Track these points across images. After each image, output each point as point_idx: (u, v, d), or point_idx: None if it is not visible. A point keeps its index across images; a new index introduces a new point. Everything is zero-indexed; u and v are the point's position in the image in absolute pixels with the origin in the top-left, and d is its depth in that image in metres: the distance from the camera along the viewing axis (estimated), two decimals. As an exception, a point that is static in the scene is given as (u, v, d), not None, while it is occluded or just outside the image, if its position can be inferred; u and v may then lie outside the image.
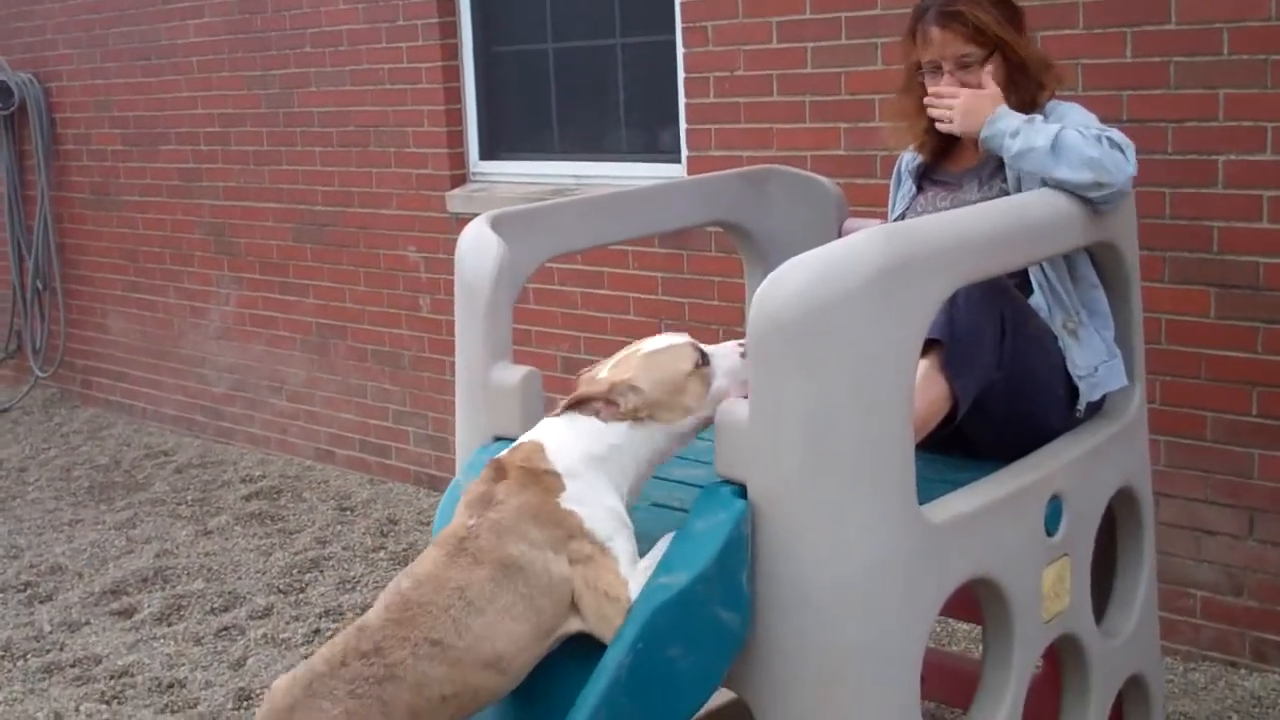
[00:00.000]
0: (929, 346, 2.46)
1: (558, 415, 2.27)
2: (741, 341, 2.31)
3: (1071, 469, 2.59)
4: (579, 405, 2.25)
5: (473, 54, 5.31)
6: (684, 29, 4.56)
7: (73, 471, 6.28)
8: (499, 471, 2.21)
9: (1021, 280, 2.78)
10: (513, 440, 2.31)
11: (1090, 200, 2.60)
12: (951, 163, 2.99)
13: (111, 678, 4.05)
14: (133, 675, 4.06)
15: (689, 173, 4.55)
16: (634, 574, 2.14)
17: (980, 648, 2.64)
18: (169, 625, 4.42)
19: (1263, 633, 3.61)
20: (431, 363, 5.52)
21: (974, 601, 2.48)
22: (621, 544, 2.16)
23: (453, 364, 2.77)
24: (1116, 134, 2.64)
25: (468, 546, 2.13)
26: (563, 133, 5.21)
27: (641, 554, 2.18)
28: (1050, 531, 2.52)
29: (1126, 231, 2.77)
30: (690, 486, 2.49)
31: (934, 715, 3.43)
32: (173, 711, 3.83)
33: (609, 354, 2.36)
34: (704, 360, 2.28)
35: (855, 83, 4.12)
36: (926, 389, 2.47)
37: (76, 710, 3.87)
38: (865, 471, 2.17)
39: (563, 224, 2.98)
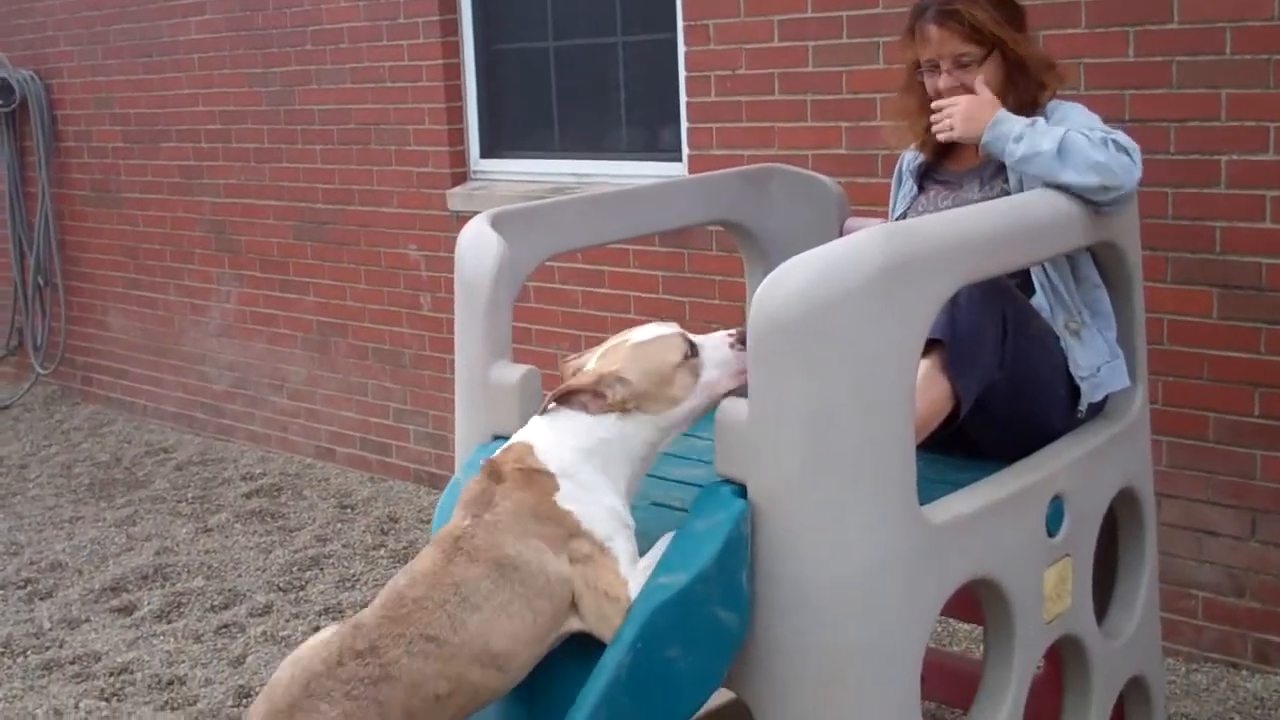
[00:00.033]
0: (930, 346, 2.45)
1: (544, 413, 2.26)
2: (731, 332, 2.30)
3: (1073, 469, 2.58)
4: (566, 398, 2.24)
5: (473, 52, 5.31)
6: (685, 27, 4.55)
7: (73, 468, 6.28)
8: (495, 472, 2.20)
9: (1023, 280, 2.78)
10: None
11: (1095, 202, 2.59)
12: (953, 162, 2.98)
13: (111, 675, 4.05)
14: (132, 672, 4.06)
15: (690, 171, 4.55)
16: (634, 574, 2.13)
17: (981, 648, 2.63)
18: (169, 622, 4.42)
19: (1265, 634, 3.61)
20: (432, 361, 5.52)
21: (975, 602, 2.47)
22: (621, 544, 2.16)
23: (453, 362, 2.77)
24: (1122, 136, 2.62)
25: (464, 545, 2.12)
26: (564, 131, 5.21)
27: (641, 553, 2.18)
28: (1052, 532, 2.51)
29: (1129, 231, 2.77)
30: (690, 486, 2.48)
31: (934, 715, 3.42)
32: (172, 709, 3.83)
33: (609, 353, 2.35)
34: (693, 351, 2.26)
35: (857, 82, 4.11)
36: (928, 389, 2.46)
37: (76, 707, 3.87)
38: (866, 471, 2.16)
39: (563, 222, 2.97)
